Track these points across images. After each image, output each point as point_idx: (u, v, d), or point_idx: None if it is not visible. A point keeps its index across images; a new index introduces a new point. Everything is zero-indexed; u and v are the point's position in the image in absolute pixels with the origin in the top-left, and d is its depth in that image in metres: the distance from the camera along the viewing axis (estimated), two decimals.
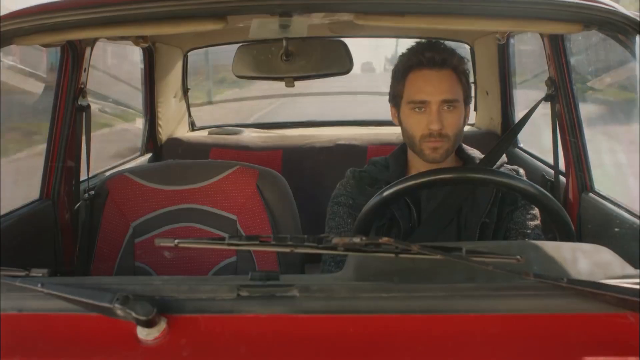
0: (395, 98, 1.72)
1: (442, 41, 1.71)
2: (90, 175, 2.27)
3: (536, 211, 1.72)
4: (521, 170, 1.79)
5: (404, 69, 1.68)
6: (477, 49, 3.21)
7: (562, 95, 2.01)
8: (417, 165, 1.73)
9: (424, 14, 1.46)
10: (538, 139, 2.84)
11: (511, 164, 1.83)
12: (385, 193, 1.45)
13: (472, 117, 3.47)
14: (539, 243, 1.61)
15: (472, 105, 3.39)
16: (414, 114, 1.66)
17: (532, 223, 1.70)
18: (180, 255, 2.06)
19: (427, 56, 1.64)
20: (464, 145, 1.79)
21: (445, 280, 1.12)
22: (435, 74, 1.64)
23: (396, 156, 1.80)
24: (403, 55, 1.71)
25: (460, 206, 1.69)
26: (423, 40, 1.71)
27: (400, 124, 1.73)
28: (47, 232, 2.07)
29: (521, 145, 2.97)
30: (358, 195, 1.73)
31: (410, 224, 1.68)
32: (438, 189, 1.67)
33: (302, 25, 1.55)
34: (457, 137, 1.67)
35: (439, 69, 1.64)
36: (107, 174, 2.50)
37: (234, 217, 2.09)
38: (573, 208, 2.00)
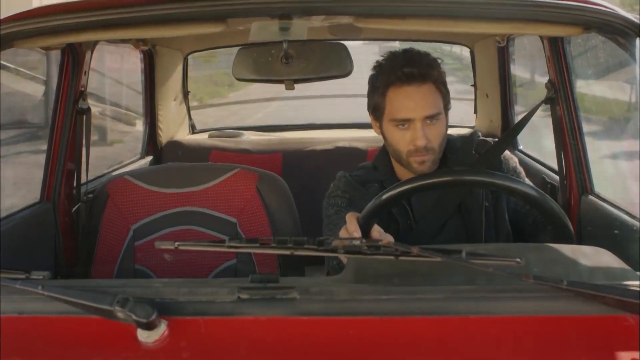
0: (376, 111, 1.70)
1: (419, 51, 1.69)
2: (90, 179, 2.27)
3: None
4: (514, 159, 1.80)
5: (383, 84, 1.66)
6: (477, 51, 3.21)
7: (562, 98, 2.01)
8: (402, 168, 1.74)
9: (424, 17, 1.45)
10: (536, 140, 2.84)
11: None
12: (385, 195, 1.45)
13: (472, 119, 3.47)
14: (539, 245, 1.61)
15: (472, 108, 3.42)
16: (397, 130, 1.65)
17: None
18: (180, 258, 2.06)
19: (407, 72, 1.62)
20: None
21: (445, 282, 1.12)
22: (416, 90, 1.62)
23: (382, 158, 1.80)
24: (382, 67, 1.69)
25: (460, 200, 1.69)
26: (399, 50, 1.69)
27: (384, 137, 1.72)
28: (48, 235, 2.07)
29: (521, 147, 2.97)
30: (352, 191, 1.74)
31: (408, 220, 1.68)
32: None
33: (302, 28, 1.55)
34: (441, 146, 1.68)
35: (419, 84, 1.62)
36: (107, 176, 2.50)
37: (234, 219, 2.09)
38: (573, 210, 2.00)
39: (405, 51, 1.68)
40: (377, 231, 1.39)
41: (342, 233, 1.37)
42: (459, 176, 1.53)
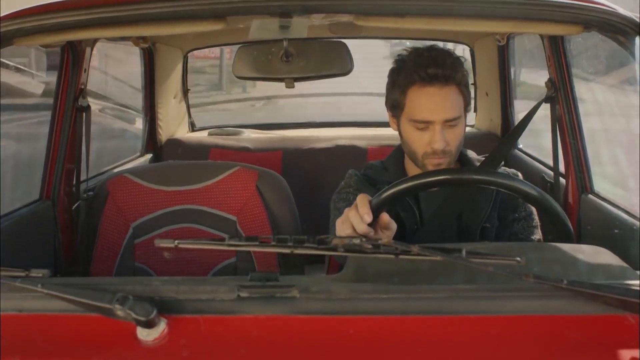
0: (395, 109, 1.66)
1: (443, 50, 1.65)
2: (90, 176, 2.27)
3: (536, 221, 1.72)
4: (519, 174, 1.78)
5: (404, 82, 1.61)
6: (477, 50, 3.21)
7: (562, 97, 2.01)
8: (414, 169, 1.71)
9: (424, 15, 1.45)
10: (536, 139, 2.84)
11: (511, 166, 1.83)
12: (404, 185, 1.42)
13: (472, 118, 3.47)
14: (539, 244, 1.61)
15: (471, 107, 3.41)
16: (415, 131, 1.61)
17: (533, 237, 1.70)
18: (180, 256, 2.06)
19: (430, 73, 1.57)
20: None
21: (446, 281, 1.12)
22: (438, 92, 1.57)
23: (394, 159, 1.78)
24: (404, 63, 1.64)
25: (460, 210, 1.68)
26: (423, 47, 1.65)
27: (400, 135, 1.69)
28: (47, 233, 2.07)
29: (521, 146, 2.97)
30: (364, 189, 1.70)
31: (415, 225, 1.67)
32: (437, 192, 1.67)
33: (302, 26, 1.54)
34: (458, 149, 1.64)
35: (442, 86, 1.57)
36: (107, 174, 2.50)
37: (233, 218, 2.09)
38: (573, 209, 2.00)
39: (430, 49, 1.63)
40: (386, 216, 1.36)
41: (352, 214, 1.33)
42: (461, 175, 1.52)
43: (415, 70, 1.59)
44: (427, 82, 1.58)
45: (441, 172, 1.53)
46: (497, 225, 1.69)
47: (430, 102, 1.58)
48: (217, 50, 11.41)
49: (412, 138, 1.63)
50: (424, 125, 1.59)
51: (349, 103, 8.40)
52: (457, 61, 1.62)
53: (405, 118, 1.63)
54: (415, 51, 1.65)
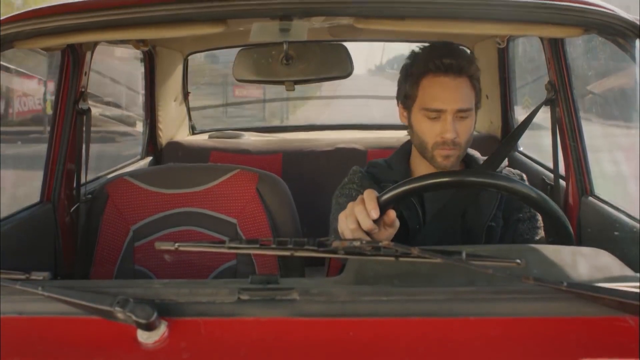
0: (407, 100, 1.68)
1: (458, 46, 1.67)
2: (90, 179, 2.27)
3: (540, 222, 1.72)
4: (524, 176, 1.79)
5: (418, 72, 1.63)
6: (477, 52, 3.21)
7: (562, 99, 2.02)
8: (421, 168, 1.72)
9: (424, 18, 1.45)
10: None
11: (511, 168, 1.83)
12: (394, 191, 1.42)
13: None
14: (539, 247, 1.61)
15: None
16: (427, 121, 1.63)
17: (537, 237, 1.71)
18: (180, 259, 2.06)
19: (445, 63, 1.60)
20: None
21: (446, 283, 1.12)
22: (451, 82, 1.60)
23: (399, 157, 1.78)
24: (417, 55, 1.67)
25: (464, 209, 1.68)
26: (437, 43, 1.67)
27: (411, 127, 1.70)
28: (48, 236, 2.07)
29: (521, 149, 2.97)
30: (368, 186, 1.68)
31: (417, 225, 1.67)
32: (441, 192, 1.67)
33: (302, 29, 1.55)
34: (467, 143, 1.66)
35: (455, 76, 1.60)
36: (107, 177, 2.50)
37: (234, 220, 2.09)
38: (573, 212, 2.00)
39: (445, 43, 1.67)
40: (393, 213, 1.34)
41: (359, 209, 1.32)
42: (460, 177, 1.52)
43: (430, 60, 1.62)
44: (441, 72, 1.61)
45: (454, 174, 1.54)
46: (501, 224, 1.70)
47: (443, 91, 1.60)
48: (256, 92, 11.80)
49: (423, 128, 1.65)
50: (436, 114, 1.61)
51: None
52: (471, 56, 1.66)
53: (417, 108, 1.65)
54: (429, 45, 1.68)
